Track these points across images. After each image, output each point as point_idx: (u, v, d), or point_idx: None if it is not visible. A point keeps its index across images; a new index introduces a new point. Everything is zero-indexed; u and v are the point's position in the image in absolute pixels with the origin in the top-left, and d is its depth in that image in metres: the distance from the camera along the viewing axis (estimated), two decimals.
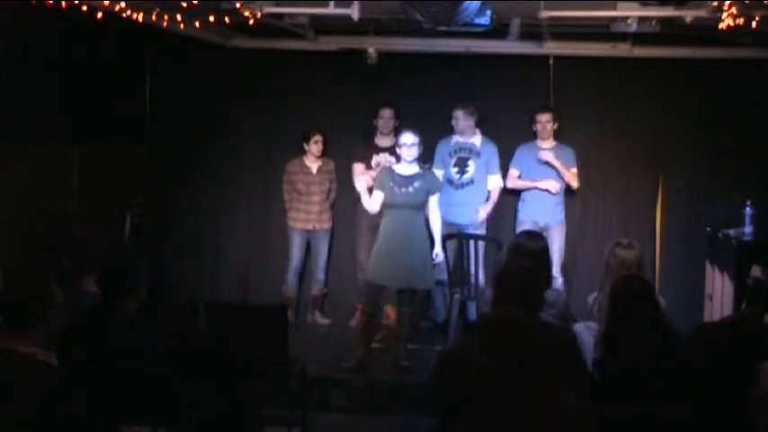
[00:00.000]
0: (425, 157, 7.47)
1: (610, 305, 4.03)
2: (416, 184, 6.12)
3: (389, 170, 6.23)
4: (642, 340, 3.76)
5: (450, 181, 7.31)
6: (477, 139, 7.36)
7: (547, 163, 7.25)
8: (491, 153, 7.34)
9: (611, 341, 3.91)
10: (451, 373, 2.79)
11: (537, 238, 4.61)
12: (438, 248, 6.31)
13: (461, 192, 7.28)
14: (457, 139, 7.37)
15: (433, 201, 6.22)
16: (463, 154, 7.33)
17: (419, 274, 6.08)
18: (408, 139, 6.15)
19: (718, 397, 3.10)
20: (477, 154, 7.30)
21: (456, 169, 7.32)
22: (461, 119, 7.27)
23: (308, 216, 7.55)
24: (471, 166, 7.29)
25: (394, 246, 6.07)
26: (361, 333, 6.35)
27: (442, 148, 7.39)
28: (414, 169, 6.17)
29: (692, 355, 3.31)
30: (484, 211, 7.24)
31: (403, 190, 6.11)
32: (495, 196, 7.34)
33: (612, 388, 3.70)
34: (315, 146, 7.50)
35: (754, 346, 3.12)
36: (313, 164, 7.56)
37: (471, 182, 7.29)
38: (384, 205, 6.15)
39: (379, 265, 6.12)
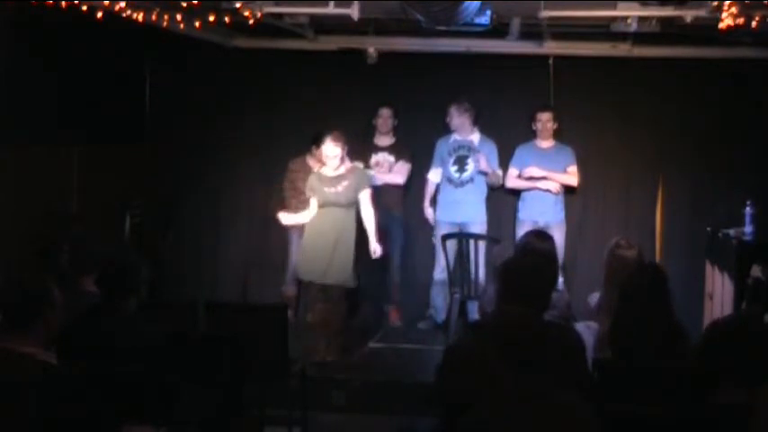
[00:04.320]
0: (423, 158, 7.50)
1: (621, 298, 4.03)
2: (344, 182, 6.18)
3: (318, 173, 6.28)
4: (650, 337, 3.76)
5: (449, 179, 7.33)
6: (475, 137, 7.38)
7: (531, 178, 7.27)
8: (490, 150, 7.36)
9: (617, 339, 3.91)
10: (455, 372, 2.78)
11: (545, 239, 4.61)
12: (374, 244, 6.26)
13: (461, 190, 7.30)
14: (455, 137, 7.40)
15: (364, 196, 6.22)
16: (462, 152, 7.34)
17: (336, 270, 6.10)
18: (331, 151, 6.14)
19: (720, 397, 3.09)
20: (477, 152, 7.31)
21: (455, 167, 7.33)
22: (455, 116, 7.29)
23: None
24: (471, 164, 7.30)
25: (316, 242, 6.15)
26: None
27: (441, 147, 7.42)
28: (340, 169, 6.20)
29: (697, 355, 3.30)
30: (483, 162, 7.20)
31: (332, 189, 6.17)
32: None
33: (614, 387, 3.69)
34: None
35: (755, 345, 3.11)
36: (315, 165, 7.53)
37: (471, 180, 7.31)
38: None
39: (302, 261, 6.24)
